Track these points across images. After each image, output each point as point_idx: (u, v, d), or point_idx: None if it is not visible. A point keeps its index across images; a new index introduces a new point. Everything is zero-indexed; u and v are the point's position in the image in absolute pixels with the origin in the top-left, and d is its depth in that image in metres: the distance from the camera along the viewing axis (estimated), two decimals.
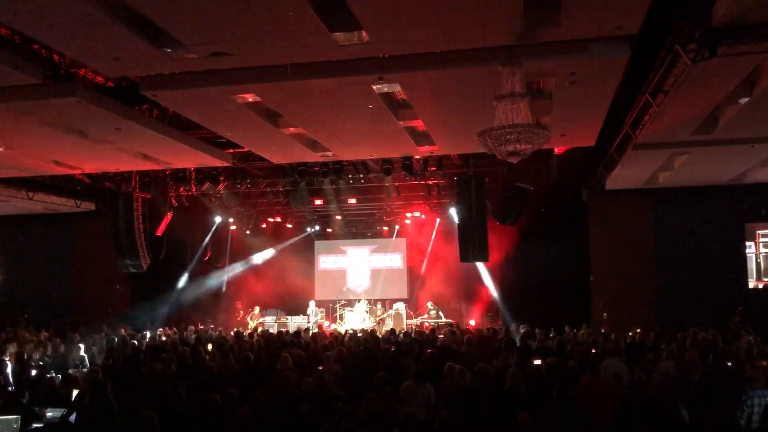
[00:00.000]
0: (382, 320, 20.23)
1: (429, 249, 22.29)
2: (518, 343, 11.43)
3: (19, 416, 6.71)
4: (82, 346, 12.56)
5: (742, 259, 17.22)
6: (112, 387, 7.12)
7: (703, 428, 6.96)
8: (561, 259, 18.61)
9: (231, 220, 21.61)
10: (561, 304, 17.75)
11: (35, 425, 7.18)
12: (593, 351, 10.39)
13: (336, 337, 13.96)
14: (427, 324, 19.00)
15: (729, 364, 8.70)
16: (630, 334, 13.44)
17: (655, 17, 7.44)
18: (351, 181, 17.62)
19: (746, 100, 9.47)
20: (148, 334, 15.37)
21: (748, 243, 17.28)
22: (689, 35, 7.79)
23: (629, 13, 7.05)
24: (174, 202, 18.77)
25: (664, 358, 9.07)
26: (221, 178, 17.31)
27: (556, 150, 15.00)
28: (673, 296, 16.91)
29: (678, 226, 17.33)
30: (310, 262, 23.84)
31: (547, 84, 10.03)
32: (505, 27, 7.35)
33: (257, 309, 20.94)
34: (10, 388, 9.27)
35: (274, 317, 21.00)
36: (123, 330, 16.12)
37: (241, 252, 22.88)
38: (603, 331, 13.72)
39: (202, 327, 18.30)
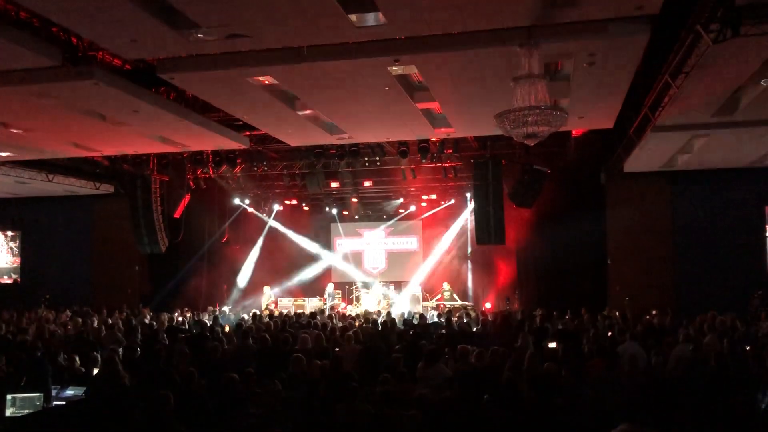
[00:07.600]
0: (391, 303, 20.22)
1: (445, 231, 22.25)
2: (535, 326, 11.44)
3: (42, 394, 6.83)
4: (103, 326, 12.74)
5: (762, 242, 17.02)
6: (128, 367, 7.22)
7: (720, 413, 6.91)
8: (578, 242, 18.42)
9: (248, 202, 21.70)
10: (578, 288, 17.64)
11: (57, 403, 7.31)
12: (609, 334, 10.38)
13: (353, 318, 14.07)
14: (442, 306, 19.03)
15: (747, 348, 8.64)
16: (647, 317, 13.37)
17: None
18: (367, 164, 17.60)
19: None
20: (167, 315, 15.54)
21: None
22: (711, 14, 7.63)
23: None
24: (191, 184, 18.88)
25: (682, 342, 9.02)
26: (238, 161, 17.36)
27: (573, 132, 14.88)
28: (692, 280, 16.77)
29: (697, 209, 17.12)
30: (327, 244, 23.93)
31: (565, 65, 9.92)
32: (523, 7, 7.27)
33: (267, 288, 21.00)
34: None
35: (292, 299, 21.11)
36: (142, 311, 16.33)
37: (258, 234, 22.99)
38: (618, 314, 13.66)
39: (219, 308, 18.47)
